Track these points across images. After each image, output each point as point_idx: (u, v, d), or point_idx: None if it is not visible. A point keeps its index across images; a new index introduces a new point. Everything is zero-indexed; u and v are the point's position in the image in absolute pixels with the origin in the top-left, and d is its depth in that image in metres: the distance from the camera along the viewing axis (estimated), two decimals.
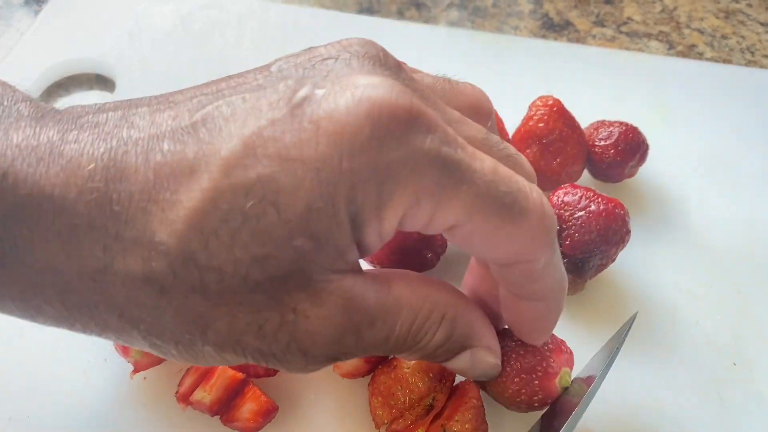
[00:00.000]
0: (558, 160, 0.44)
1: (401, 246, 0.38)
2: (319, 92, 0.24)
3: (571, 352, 0.36)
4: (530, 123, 0.45)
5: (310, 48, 0.28)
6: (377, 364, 0.36)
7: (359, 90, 0.24)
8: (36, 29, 0.57)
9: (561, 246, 0.40)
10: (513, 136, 0.46)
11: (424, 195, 0.25)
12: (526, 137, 0.45)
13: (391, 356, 0.36)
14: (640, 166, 0.47)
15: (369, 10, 0.64)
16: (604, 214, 0.39)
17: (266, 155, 0.23)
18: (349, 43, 0.27)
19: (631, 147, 0.46)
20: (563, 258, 0.40)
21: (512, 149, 0.31)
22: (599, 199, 0.40)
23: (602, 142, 0.46)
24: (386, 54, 0.28)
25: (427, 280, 0.31)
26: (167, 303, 0.24)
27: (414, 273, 0.30)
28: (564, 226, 0.40)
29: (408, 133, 0.24)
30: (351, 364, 0.35)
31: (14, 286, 0.25)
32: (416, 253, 0.39)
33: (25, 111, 0.26)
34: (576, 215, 0.40)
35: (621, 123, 0.47)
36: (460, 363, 0.31)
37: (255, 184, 0.23)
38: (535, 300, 0.31)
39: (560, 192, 0.41)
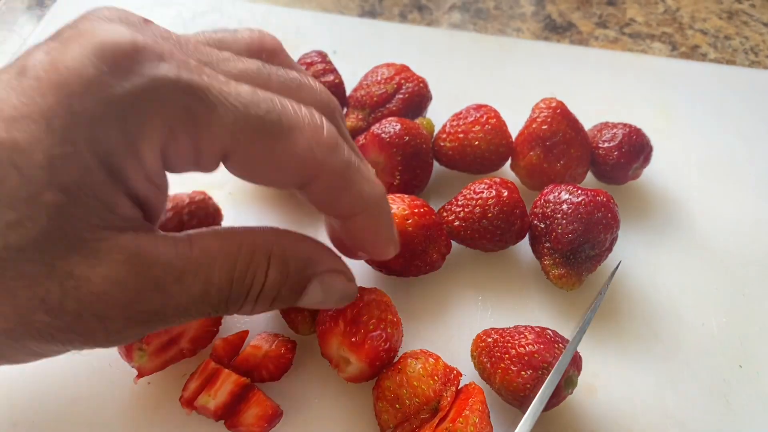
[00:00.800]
0: (562, 162, 0.44)
1: (406, 247, 0.38)
2: (46, 51, 0.24)
3: (579, 356, 0.36)
4: (533, 125, 0.45)
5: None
6: (382, 368, 0.36)
7: (82, 39, 0.24)
8: (39, 35, 0.57)
9: (549, 241, 0.40)
10: (516, 138, 0.46)
11: (178, 123, 0.25)
12: (529, 139, 0.45)
13: (403, 357, 0.36)
14: (644, 167, 0.47)
15: (371, 13, 0.64)
16: (584, 203, 0.39)
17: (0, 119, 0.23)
18: (92, 11, 0.27)
19: (635, 149, 0.45)
20: (554, 254, 0.40)
21: (295, 76, 0.30)
22: (580, 191, 0.40)
23: (606, 144, 0.46)
24: (134, 15, 0.27)
25: (241, 228, 0.29)
26: None
27: (228, 227, 0.29)
28: (548, 222, 0.40)
29: (138, 65, 0.24)
30: (355, 368, 0.35)
31: None
32: (421, 255, 0.39)
33: None
34: (559, 209, 0.40)
35: (625, 125, 0.46)
36: (313, 296, 0.30)
37: None
38: (354, 215, 0.30)
39: (545, 191, 0.42)
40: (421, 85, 0.48)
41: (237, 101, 0.25)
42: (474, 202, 0.41)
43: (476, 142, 0.45)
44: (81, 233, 0.24)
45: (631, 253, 0.45)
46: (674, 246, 0.46)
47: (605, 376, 0.39)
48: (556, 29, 0.64)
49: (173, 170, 0.26)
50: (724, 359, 0.41)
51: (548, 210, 0.41)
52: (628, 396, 0.39)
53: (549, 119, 0.44)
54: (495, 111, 0.46)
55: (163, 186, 0.27)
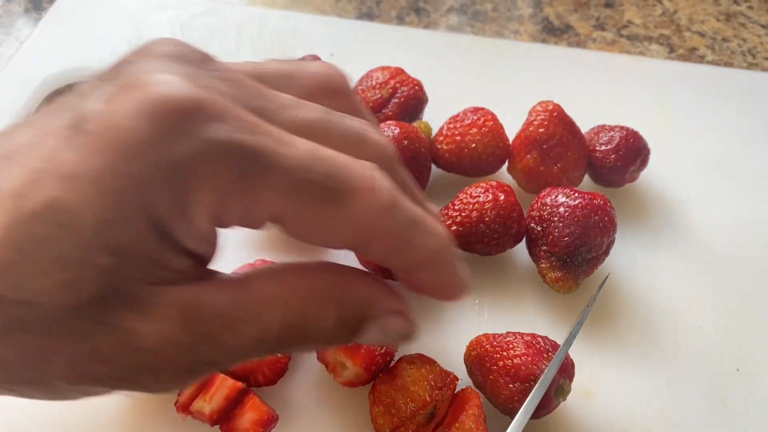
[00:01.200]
0: (558, 165, 0.44)
1: None
2: (100, 103, 0.24)
3: (572, 363, 0.36)
4: (530, 128, 0.44)
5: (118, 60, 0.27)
6: (378, 373, 0.35)
7: (139, 91, 0.23)
8: (36, 38, 0.57)
9: (546, 245, 0.40)
10: (513, 141, 0.46)
11: (228, 187, 0.24)
12: (526, 142, 0.45)
13: (399, 361, 0.35)
14: (642, 170, 0.47)
15: (369, 16, 0.64)
16: (581, 206, 0.39)
17: (52, 178, 0.23)
18: (153, 44, 0.26)
19: (632, 152, 0.45)
20: (551, 257, 0.40)
21: (357, 127, 0.29)
22: (577, 195, 0.40)
23: (603, 147, 0.46)
24: (190, 50, 0.26)
25: (298, 266, 0.28)
26: (2, 347, 0.24)
27: (284, 264, 0.28)
28: (545, 225, 0.40)
29: (192, 126, 0.23)
30: (351, 372, 0.35)
31: None
32: None
33: None
34: (556, 212, 0.40)
35: (622, 127, 0.46)
36: (370, 336, 0.29)
37: (44, 209, 0.22)
38: (416, 269, 0.29)
39: (541, 194, 0.42)
40: (417, 87, 0.48)
41: (292, 164, 0.24)
42: (471, 206, 0.41)
43: (473, 145, 0.45)
44: (133, 290, 0.24)
45: (628, 256, 0.45)
46: (671, 249, 0.46)
47: (602, 380, 0.39)
48: (553, 31, 0.63)
49: (222, 227, 0.26)
50: (722, 363, 0.40)
51: (545, 213, 0.40)
52: (625, 400, 0.38)
53: (546, 122, 0.44)
54: (492, 114, 0.46)
55: (214, 240, 0.26)
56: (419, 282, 0.30)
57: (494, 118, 0.46)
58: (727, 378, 0.40)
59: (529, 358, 0.34)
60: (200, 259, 0.26)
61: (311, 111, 0.28)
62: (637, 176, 0.47)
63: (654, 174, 0.49)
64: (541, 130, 0.44)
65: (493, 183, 0.42)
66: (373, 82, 0.48)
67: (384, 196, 0.26)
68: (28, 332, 0.23)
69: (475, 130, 0.45)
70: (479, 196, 0.41)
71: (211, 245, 0.26)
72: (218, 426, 0.35)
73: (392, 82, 0.47)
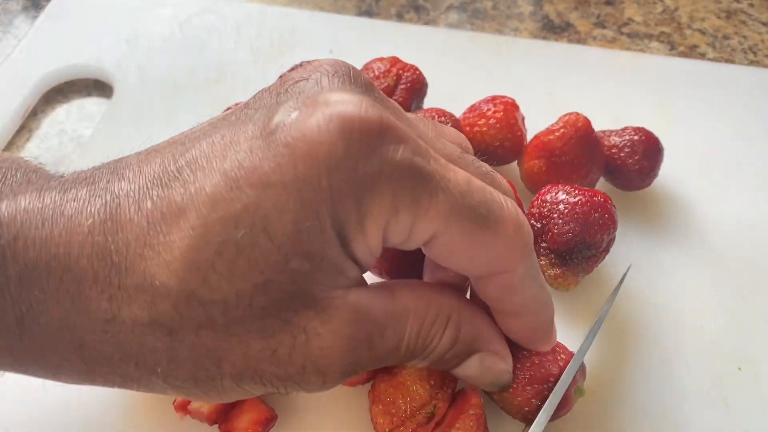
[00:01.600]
0: (563, 179, 0.44)
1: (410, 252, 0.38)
2: (292, 115, 0.25)
3: (584, 366, 0.35)
4: (548, 137, 0.44)
5: (282, 74, 0.29)
6: (377, 372, 0.35)
7: (329, 108, 0.25)
8: (34, 35, 0.57)
9: (545, 241, 0.40)
10: (531, 140, 0.45)
11: (402, 205, 0.25)
12: (539, 147, 0.44)
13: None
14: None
15: (368, 13, 0.64)
16: (581, 203, 0.39)
17: (249, 185, 0.24)
18: (320, 63, 0.28)
19: (654, 152, 0.45)
20: (550, 254, 0.40)
21: (488, 167, 0.32)
22: (577, 192, 0.40)
23: (628, 157, 0.45)
24: (356, 72, 0.28)
25: (430, 284, 0.31)
26: (179, 343, 0.25)
27: (417, 280, 0.31)
28: (545, 222, 0.40)
29: (380, 146, 0.25)
30: None
31: (34, 346, 0.26)
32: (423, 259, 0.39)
33: (33, 178, 0.28)
34: (555, 209, 0.40)
35: (633, 130, 0.46)
36: (470, 368, 0.31)
37: (242, 213, 0.24)
38: (517, 315, 0.31)
39: (542, 191, 0.41)
40: (417, 72, 0.48)
41: (456, 189, 0.26)
42: None
43: (480, 136, 0.45)
44: (317, 293, 0.25)
45: (630, 256, 0.45)
46: (673, 247, 0.46)
47: (603, 379, 0.39)
48: (554, 29, 0.63)
49: (386, 243, 0.28)
50: (723, 362, 0.40)
51: (545, 210, 0.40)
52: (626, 399, 0.38)
53: (565, 136, 0.44)
54: (507, 104, 0.46)
55: (378, 253, 0.28)
56: (514, 326, 0.32)
57: (506, 108, 0.46)
58: (728, 377, 0.40)
59: (546, 359, 0.34)
60: (362, 268, 0.28)
61: (451, 147, 0.31)
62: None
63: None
64: (556, 142, 0.44)
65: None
66: (376, 72, 0.48)
67: (526, 234, 0.29)
68: (212, 331, 0.25)
69: (483, 120, 0.46)
70: None
71: (374, 258, 0.28)
72: (217, 425, 0.35)
73: (394, 69, 0.48)
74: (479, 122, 0.45)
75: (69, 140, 0.52)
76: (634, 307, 0.42)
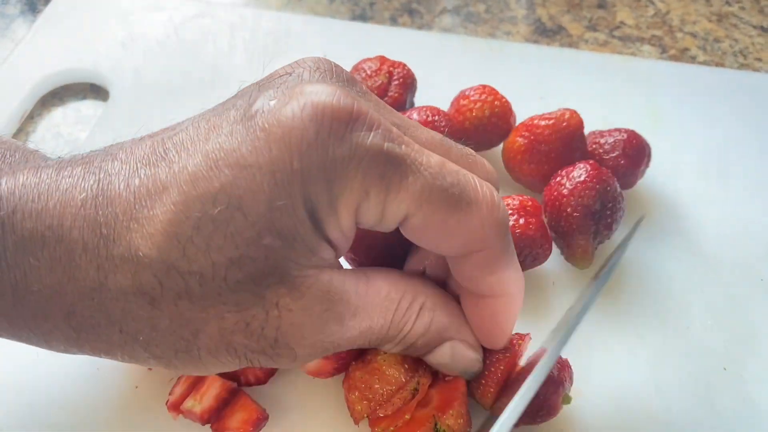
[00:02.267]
0: (538, 166, 0.45)
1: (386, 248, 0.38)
2: (271, 103, 0.27)
3: (571, 371, 0.36)
4: (537, 121, 0.45)
5: (271, 72, 0.30)
6: (348, 362, 0.36)
7: (305, 97, 0.27)
8: (30, 39, 0.58)
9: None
10: (519, 124, 0.47)
11: (373, 188, 0.27)
12: (523, 129, 0.46)
13: (373, 348, 0.36)
14: (647, 168, 0.47)
15: (362, 17, 0.64)
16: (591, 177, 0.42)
17: (227, 165, 0.26)
18: (304, 60, 0.30)
19: (638, 152, 0.46)
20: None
21: (470, 151, 0.33)
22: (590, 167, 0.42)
23: (611, 154, 0.46)
24: (339, 69, 0.30)
25: (404, 273, 0.33)
26: (159, 312, 0.27)
27: (392, 269, 0.33)
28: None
29: (350, 132, 0.27)
30: (314, 363, 0.35)
31: (26, 313, 0.28)
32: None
33: (31, 158, 0.30)
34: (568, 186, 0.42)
35: (618, 130, 0.47)
36: (441, 356, 0.33)
37: (219, 192, 0.26)
38: (492, 295, 0.32)
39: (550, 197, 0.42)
40: (407, 68, 0.50)
41: (427, 171, 0.28)
42: None
43: (474, 113, 0.47)
44: (290, 271, 0.27)
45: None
46: (661, 249, 0.46)
47: (589, 379, 0.39)
48: (546, 32, 0.64)
49: (359, 225, 0.29)
50: (709, 362, 0.41)
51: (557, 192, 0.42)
52: (613, 399, 0.39)
53: (552, 128, 0.45)
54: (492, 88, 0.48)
55: (351, 235, 0.29)
56: (482, 309, 0.33)
57: (493, 90, 0.48)
58: (714, 377, 0.40)
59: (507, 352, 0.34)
60: (337, 251, 0.29)
61: (433, 133, 0.32)
62: (643, 174, 0.48)
63: (645, 174, 0.49)
64: (543, 129, 0.44)
65: (517, 202, 0.41)
66: (368, 72, 0.49)
67: (501, 214, 0.30)
68: (190, 301, 0.27)
69: (473, 94, 0.48)
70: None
71: (347, 240, 0.29)
72: (209, 425, 0.36)
73: (384, 67, 0.49)
74: (471, 97, 0.47)
75: (65, 143, 0.53)
76: (620, 309, 0.43)
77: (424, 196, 0.28)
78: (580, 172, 0.42)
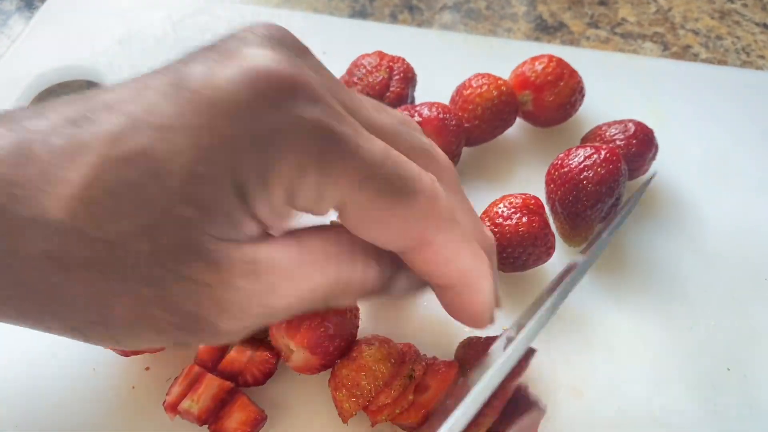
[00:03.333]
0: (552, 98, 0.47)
1: None
2: (207, 65, 0.25)
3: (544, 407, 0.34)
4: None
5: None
6: (333, 359, 0.35)
7: (243, 60, 0.25)
8: (27, 36, 0.57)
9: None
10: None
11: (308, 165, 0.25)
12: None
13: (358, 344, 0.36)
14: (654, 159, 0.47)
15: (362, 14, 0.64)
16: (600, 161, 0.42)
17: (148, 126, 0.24)
18: (257, 26, 0.28)
19: (647, 137, 0.46)
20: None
21: (428, 143, 0.31)
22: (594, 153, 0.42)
23: (621, 136, 0.46)
24: (291, 37, 0.28)
25: (340, 228, 0.30)
26: (72, 282, 0.25)
27: (327, 226, 0.30)
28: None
29: (289, 101, 0.25)
30: (299, 356, 0.35)
31: None
32: None
33: None
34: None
35: (626, 120, 0.47)
36: (401, 284, 0.31)
37: (137, 154, 0.24)
38: (451, 285, 0.30)
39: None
40: (406, 62, 0.50)
41: (368, 156, 0.26)
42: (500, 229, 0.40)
43: (483, 96, 0.47)
44: (206, 244, 0.25)
45: (620, 255, 0.45)
46: (663, 248, 0.46)
47: (591, 380, 0.39)
48: (547, 29, 0.63)
49: (292, 206, 0.27)
50: (712, 362, 0.40)
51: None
52: (614, 399, 0.38)
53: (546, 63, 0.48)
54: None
55: (285, 215, 0.27)
56: (448, 299, 0.31)
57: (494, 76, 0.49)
58: (717, 377, 0.40)
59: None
60: (266, 229, 0.27)
61: (388, 117, 0.30)
62: (650, 163, 0.47)
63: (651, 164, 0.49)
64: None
65: (519, 201, 0.41)
66: (368, 68, 0.49)
67: (444, 208, 0.28)
68: (101, 271, 0.25)
69: (478, 81, 0.48)
70: (510, 218, 0.40)
71: (280, 220, 0.27)
72: (207, 426, 0.35)
73: (384, 62, 0.49)
74: (473, 84, 0.48)
75: None
76: (621, 308, 0.42)
77: (362, 183, 0.26)
78: (603, 151, 0.41)
